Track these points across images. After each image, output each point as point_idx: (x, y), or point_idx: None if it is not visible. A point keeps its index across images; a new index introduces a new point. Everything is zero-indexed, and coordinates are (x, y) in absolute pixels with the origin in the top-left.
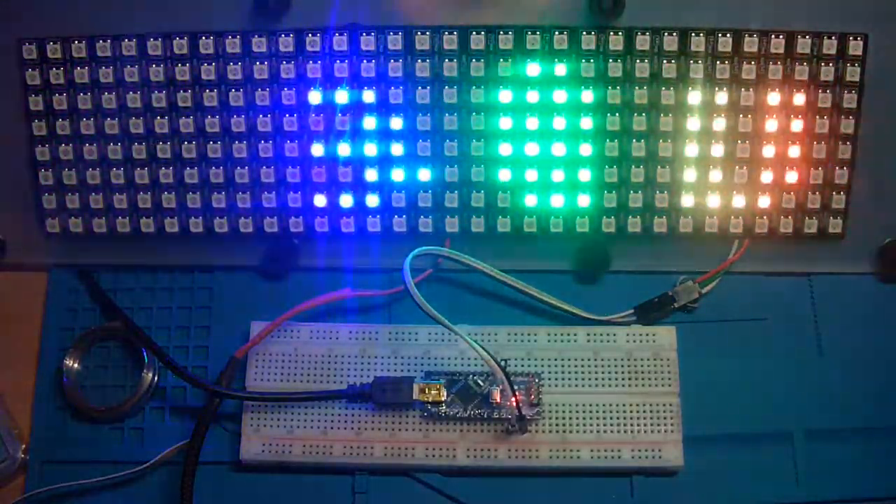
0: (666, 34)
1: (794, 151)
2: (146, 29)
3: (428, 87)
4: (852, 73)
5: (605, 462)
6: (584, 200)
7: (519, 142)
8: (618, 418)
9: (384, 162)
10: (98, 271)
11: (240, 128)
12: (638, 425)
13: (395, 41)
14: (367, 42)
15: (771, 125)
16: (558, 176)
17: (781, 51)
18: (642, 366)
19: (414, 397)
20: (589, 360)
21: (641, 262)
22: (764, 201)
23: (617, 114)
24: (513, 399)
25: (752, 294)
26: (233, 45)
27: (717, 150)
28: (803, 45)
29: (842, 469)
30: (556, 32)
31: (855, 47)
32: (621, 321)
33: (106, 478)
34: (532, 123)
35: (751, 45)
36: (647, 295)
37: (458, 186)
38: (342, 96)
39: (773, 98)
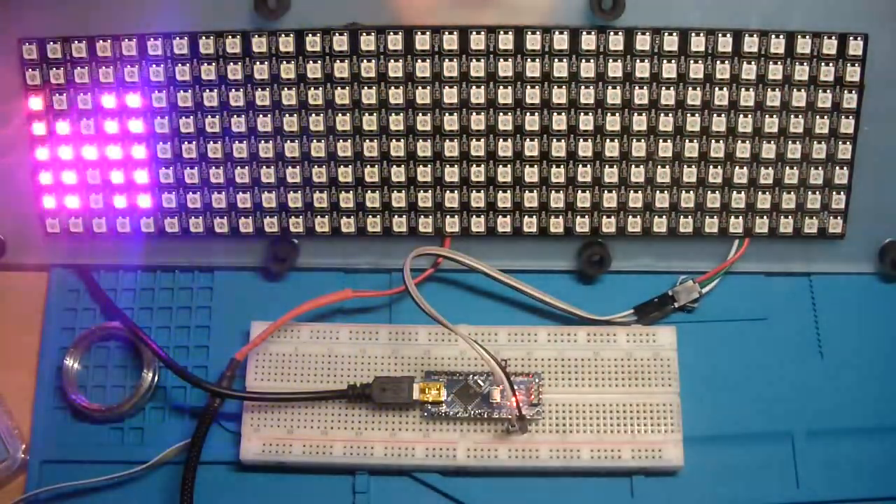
0: (666, 34)
1: (794, 151)
2: (146, 29)
3: (428, 87)
4: (852, 73)
5: (605, 462)
6: (583, 200)
7: (519, 141)
8: (618, 418)
9: (384, 161)
10: (98, 271)
11: (240, 128)
12: (638, 425)
13: (395, 41)
14: (367, 42)
15: (771, 125)
16: (558, 175)
17: (781, 51)
18: (642, 366)
19: (414, 397)
20: (589, 360)
21: (641, 262)
22: (764, 201)
23: (617, 114)
24: (513, 399)
25: (752, 294)
26: (233, 45)
27: (718, 149)
28: (803, 45)
29: (842, 469)
30: (556, 32)
31: (855, 47)
32: (621, 321)
33: (106, 478)
34: (532, 123)
35: (751, 45)
36: (647, 295)
37: (458, 186)
38: (342, 96)
39: (773, 98)
